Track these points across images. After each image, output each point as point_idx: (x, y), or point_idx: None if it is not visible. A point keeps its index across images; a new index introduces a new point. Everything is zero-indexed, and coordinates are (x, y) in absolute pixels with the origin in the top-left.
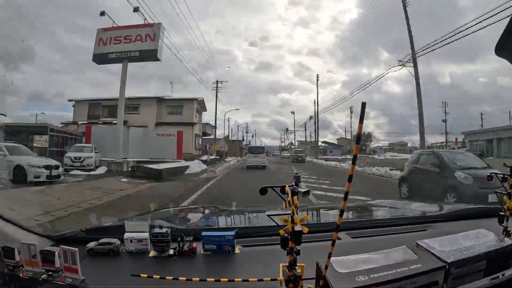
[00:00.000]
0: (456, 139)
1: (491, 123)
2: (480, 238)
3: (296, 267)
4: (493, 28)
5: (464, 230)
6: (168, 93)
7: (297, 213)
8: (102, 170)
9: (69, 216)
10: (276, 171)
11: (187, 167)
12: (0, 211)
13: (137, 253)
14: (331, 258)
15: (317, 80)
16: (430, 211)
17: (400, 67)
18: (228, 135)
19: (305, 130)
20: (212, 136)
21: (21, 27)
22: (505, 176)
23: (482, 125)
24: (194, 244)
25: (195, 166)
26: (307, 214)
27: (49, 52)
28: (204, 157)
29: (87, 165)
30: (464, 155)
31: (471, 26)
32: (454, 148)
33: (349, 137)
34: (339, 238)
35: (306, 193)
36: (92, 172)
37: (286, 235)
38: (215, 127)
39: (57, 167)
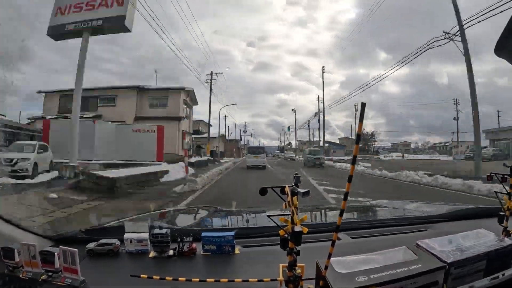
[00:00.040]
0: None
1: (491, 123)
2: (480, 238)
3: (296, 268)
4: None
5: (464, 230)
6: None
7: (297, 214)
8: (47, 176)
9: None
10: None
11: (165, 172)
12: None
13: (137, 253)
14: (331, 259)
15: (323, 72)
16: (430, 211)
17: (446, 40)
18: (225, 134)
19: (309, 129)
20: (206, 135)
21: (21, 27)
22: (505, 176)
23: (499, 123)
24: (194, 245)
25: (177, 171)
26: (307, 214)
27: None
28: (192, 159)
29: (21, 169)
30: None
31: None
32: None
33: (352, 137)
34: (339, 239)
35: (306, 193)
36: (27, 180)
37: (286, 235)
38: (208, 124)
39: None
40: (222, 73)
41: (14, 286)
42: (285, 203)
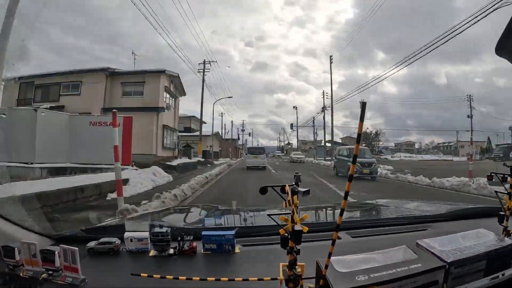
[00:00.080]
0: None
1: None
2: (480, 238)
3: (296, 267)
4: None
5: (464, 229)
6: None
7: (297, 213)
8: None
9: None
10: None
11: (123, 182)
12: (0, 210)
13: (137, 252)
14: (331, 258)
15: (331, 62)
16: (430, 210)
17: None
18: (221, 132)
19: (314, 126)
20: (199, 133)
21: (21, 27)
22: (505, 176)
23: None
24: (194, 244)
25: (145, 180)
26: (307, 213)
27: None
28: (176, 161)
29: None
30: None
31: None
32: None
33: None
34: (339, 238)
35: (306, 192)
36: None
37: (286, 234)
38: (200, 120)
39: None
40: (216, 61)
41: (15, 285)
42: (286, 202)
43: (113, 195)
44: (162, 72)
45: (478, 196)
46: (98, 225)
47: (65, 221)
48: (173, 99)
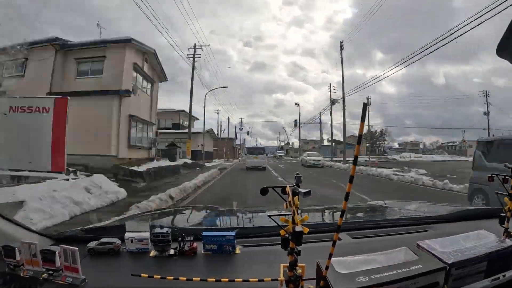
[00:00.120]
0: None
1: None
2: (481, 239)
3: (297, 268)
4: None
5: (465, 231)
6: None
7: (297, 214)
8: None
9: None
10: None
11: (11, 208)
12: (0, 210)
13: (137, 252)
14: (332, 259)
15: (341, 49)
16: (431, 212)
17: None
18: (217, 131)
19: (321, 122)
20: (192, 130)
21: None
22: (506, 177)
23: None
24: (195, 244)
25: (57, 204)
26: (308, 214)
27: None
28: (145, 166)
29: None
30: None
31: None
32: None
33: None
34: (339, 239)
35: (307, 193)
36: None
37: (286, 235)
38: (190, 114)
39: None
40: (209, 45)
41: (15, 285)
42: (286, 203)
43: None
44: (127, 42)
45: None
46: (99, 225)
47: None
48: (149, 84)
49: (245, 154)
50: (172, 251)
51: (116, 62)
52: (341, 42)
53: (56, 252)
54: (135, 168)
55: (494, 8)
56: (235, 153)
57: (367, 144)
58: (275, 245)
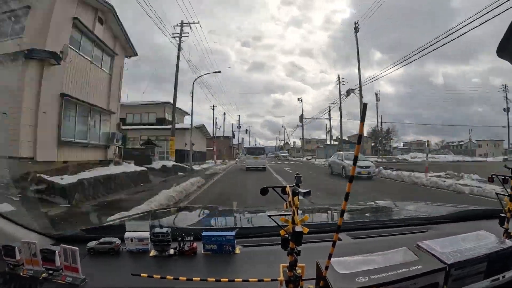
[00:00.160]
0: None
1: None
2: (480, 240)
3: (297, 268)
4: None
5: (465, 231)
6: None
7: (297, 214)
8: None
9: None
10: None
11: None
12: (0, 210)
13: (137, 252)
14: (332, 259)
15: (356, 30)
16: (431, 212)
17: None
18: (212, 129)
19: (329, 118)
20: (178, 126)
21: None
22: (506, 178)
23: None
24: (195, 244)
25: None
26: (308, 214)
27: None
28: (74, 177)
29: None
30: None
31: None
32: None
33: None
34: (339, 239)
35: (307, 193)
36: None
37: (286, 235)
38: (174, 105)
39: None
40: (198, 22)
41: (15, 284)
42: (286, 203)
43: None
44: None
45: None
46: (99, 225)
47: None
48: (108, 58)
49: (244, 154)
50: (172, 251)
51: (44, 13)
52: (355, 23)
53: (56, 251)
54: (57, 179)
55: (494, 9)
56: (232, 153)
57: (372, 144)
58: (275, 245)
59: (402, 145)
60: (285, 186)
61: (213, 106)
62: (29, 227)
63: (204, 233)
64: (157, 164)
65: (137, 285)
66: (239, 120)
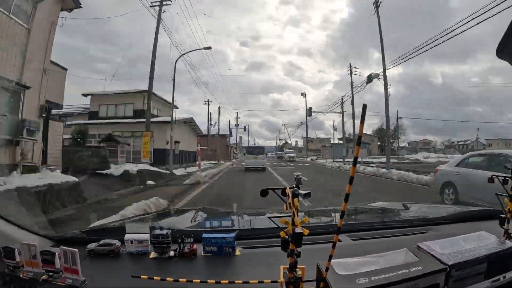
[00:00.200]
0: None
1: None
2: (481, 241)
3: (297, 269)
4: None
5: (465, 232)
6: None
7: (297, 215)
8: None
9: None
10: None
11: None
12: (0, 212)
13: (137, 254)
14: (332, 260)
15: (377, 6)
16: (431, 213)
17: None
18: (208, 126)
19: (342, 112)
20: (159, 119)
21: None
22: (506, 178)
23: None
24: (195, 246)
25: None
26: (308, 216)
27: None
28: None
29: None
30: None
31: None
32: None
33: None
34: (339, 240)
35: (307, 195)
36: None
37: (286, 237)
38: (149, 91)
39: None
40: None
41: (15, 286)
42: (286, 205)
43: None
44: None
45: None
46: (99, 226)
47: None
48: (29, 4)
49: (244, 154)
50: (172, 253)
51: None
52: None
53: (56, 253)
54: None
55: (492, 8)
56: (229, 153)
57: (378, 143)
58: (275, 247)
59: (407, 145)
60: (285, 188)
61: (208, 101)
62: (29, 228)
63: (204, 235)
64: (117, 170)
65: (137, 287)
66: (237, 118)
